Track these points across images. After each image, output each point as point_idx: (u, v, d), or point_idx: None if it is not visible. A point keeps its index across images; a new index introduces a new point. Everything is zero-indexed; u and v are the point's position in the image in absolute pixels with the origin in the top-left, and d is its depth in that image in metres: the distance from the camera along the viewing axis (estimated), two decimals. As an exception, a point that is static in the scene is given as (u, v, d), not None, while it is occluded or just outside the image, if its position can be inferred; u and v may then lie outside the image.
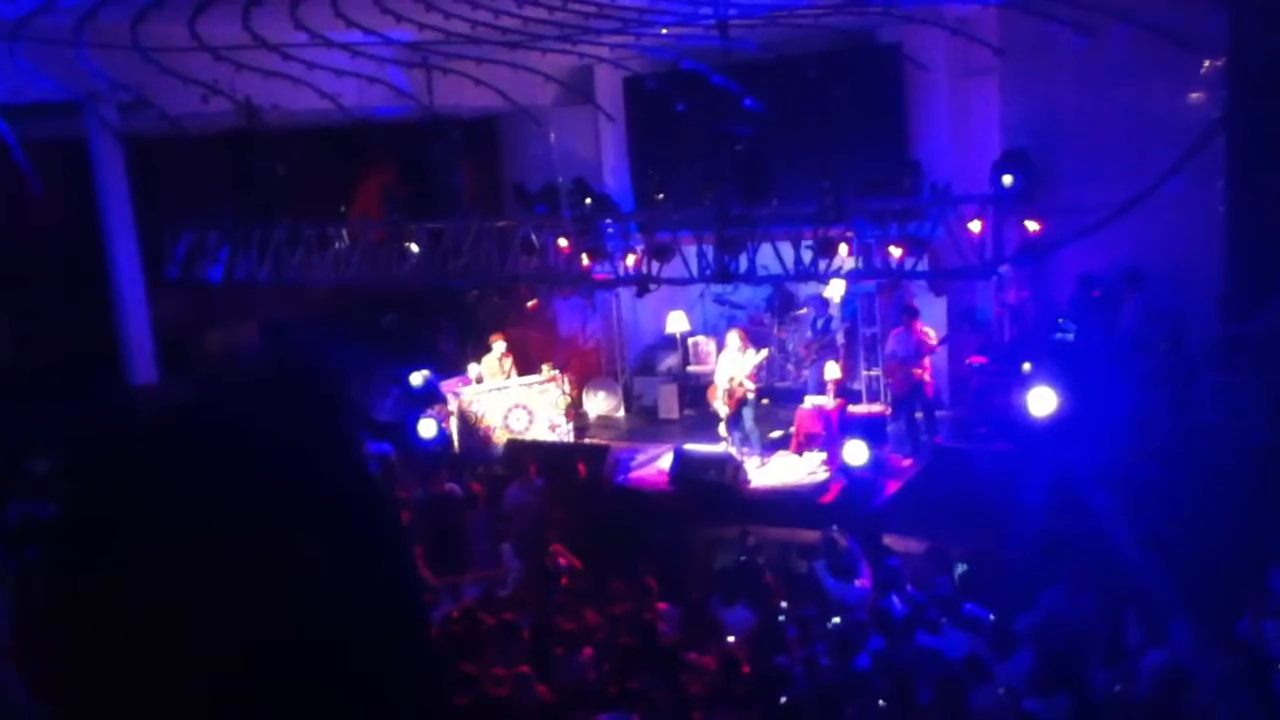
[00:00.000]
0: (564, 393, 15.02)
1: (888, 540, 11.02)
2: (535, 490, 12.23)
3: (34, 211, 13.44)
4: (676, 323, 16.00)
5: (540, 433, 14.65)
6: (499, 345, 15.17)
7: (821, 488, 12.43)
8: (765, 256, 12.03)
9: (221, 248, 14.06)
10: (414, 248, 13.89)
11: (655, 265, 12.78)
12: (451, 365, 15.83)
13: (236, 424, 0.78)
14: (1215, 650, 8.01)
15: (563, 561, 10.99)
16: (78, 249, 13.59)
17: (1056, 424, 11.33)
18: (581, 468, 12.69)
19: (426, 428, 14.13)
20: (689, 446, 13.30)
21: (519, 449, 14.06)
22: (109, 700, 0.72)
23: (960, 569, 10.15)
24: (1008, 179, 12.91)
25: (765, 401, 14.17)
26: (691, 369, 16.05)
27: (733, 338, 13.39)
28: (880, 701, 7.51)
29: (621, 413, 16.28)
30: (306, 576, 0.73)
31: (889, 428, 13.28)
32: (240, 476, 0.74)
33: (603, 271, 13.93)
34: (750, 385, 13.14)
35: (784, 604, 9.81)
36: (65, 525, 0.75)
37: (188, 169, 14.30)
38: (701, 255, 12.27)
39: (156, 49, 11.62)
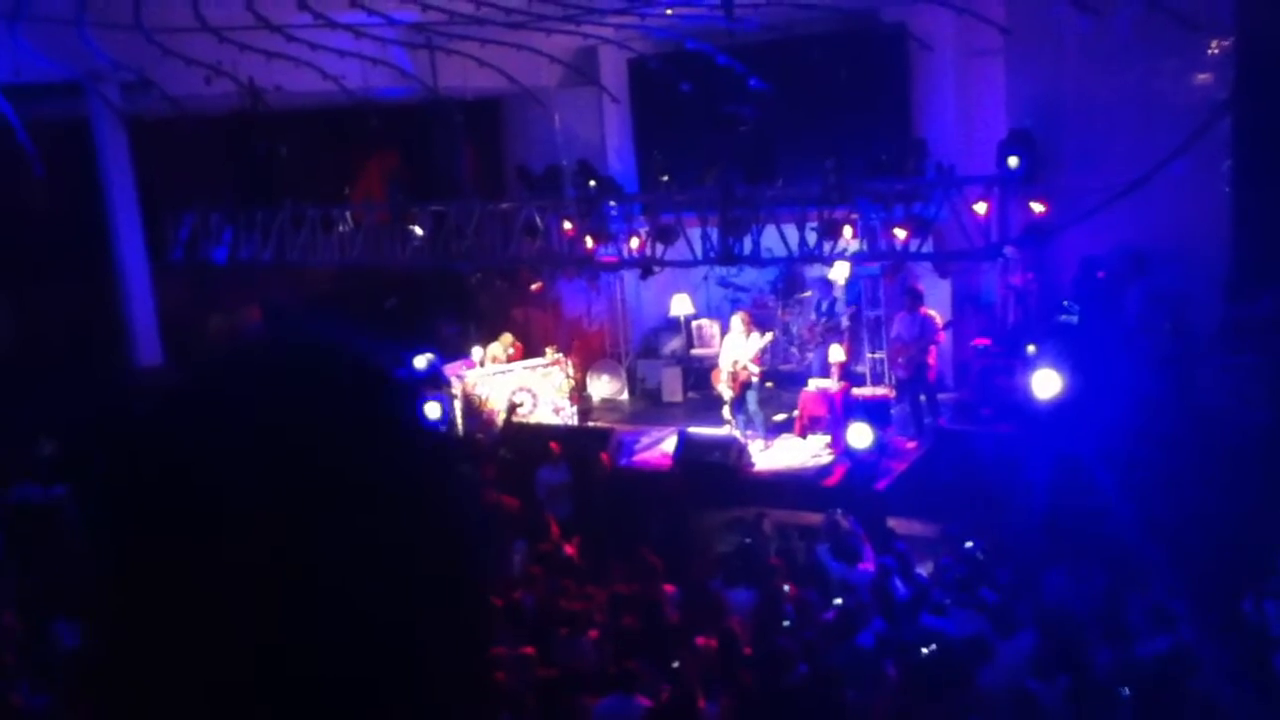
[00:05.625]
0: (568, 376, 15.03)
1: (891, 523, 11.03)
2: (566, 471, 12.28)
3: (36, 193, 13.42)
4: (680, 305, 15.98)
5: (544, 416, 14.66)
6: (506, 340, 15.25)
7: (825, 470, 12.43)
8: (769, 239, 12.00)
9: (224, 229, 14.06)
10: (417, 230, 13.88)
11: (659, 247, 12.76)
12: (454, 348, 15.83)
13: (254, 405, 0.74)
14: (1218, 631, 8.03)
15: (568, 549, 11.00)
16: (80, 231, 13.58)
17: (1060, 407, 11.31)
18: (605, 458, 12.70)
19: (430, 411, 14.15)
20: (693, 429, 13.30)
21: (519, 432, 14.08)
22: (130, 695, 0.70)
23: (968, 545, 10.13)
24: (1013, 160, 12.85)
25: (769, 384, 14.16)
26: (695, 352, 16.05)
27: (737, 321, 13.36)
28: (883, 680, 7.53)
29: (625, 396, 16.28)
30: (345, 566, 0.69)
31: (893, 410, 13.26)
32: (258, 461, 0.70)
33: (606, 254, 13.92)
34: (754, 368, 13.12)
35: (786, 587, 9.82)
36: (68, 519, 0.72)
37: (190, 150, 14.27)
38: (705, 237, 12.25)
39: (159, 30, 11.59)
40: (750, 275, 15.27)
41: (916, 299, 13.08)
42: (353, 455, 0.72)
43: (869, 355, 14.54)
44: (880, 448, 12.00)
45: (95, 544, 0.71)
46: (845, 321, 14.68)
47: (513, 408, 14.47)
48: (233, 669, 0.67)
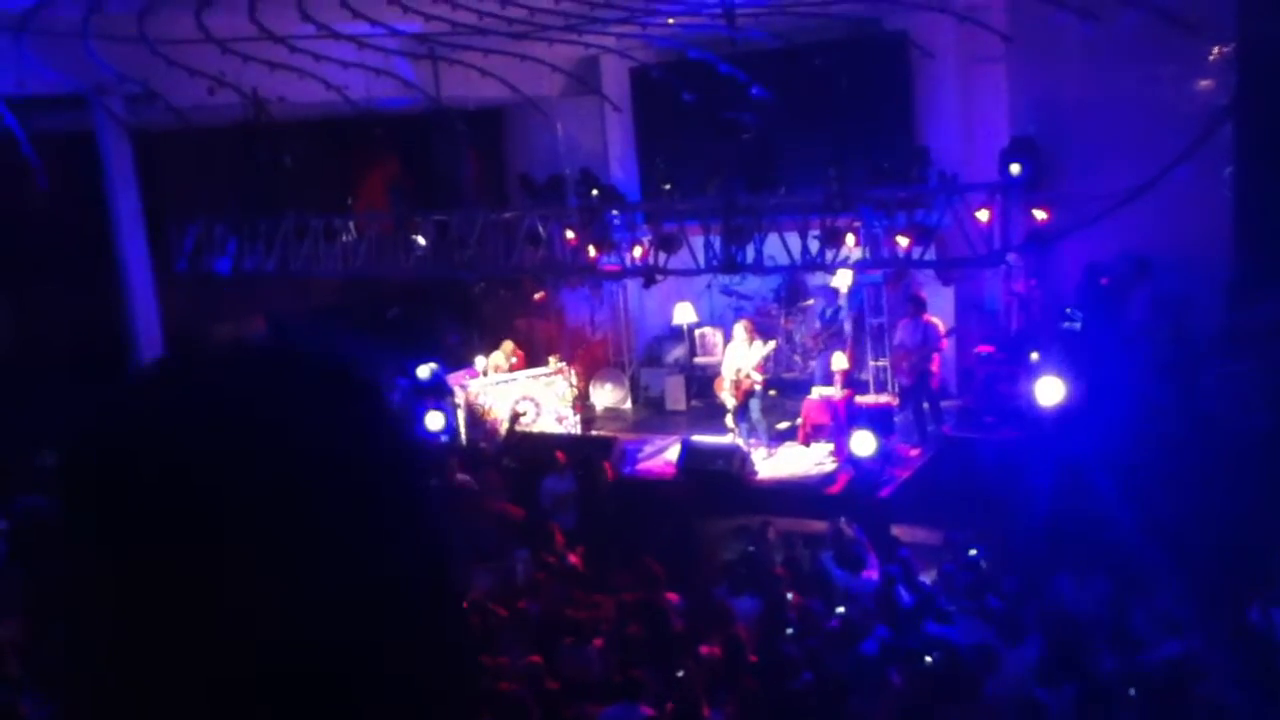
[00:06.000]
0: (571, 384, 15.04)
1: (896, 531, 11.02)
2: (570, 480, 12.27)
3: (41, 204, 13.45)
4: (683, 314, 15.98)
5: (547, 425, 14.67)
6: (507, 348, 15.26)
7: (829, 478, 12.43)
8: (772, 246, 12.00)
9: (229, 240, 14.09)
10: (420, 240, 13.90)
11: (662, 256, 12.77)
12: (457, 358, 15.85)
13: (241, 401, 0.74)
14: (1224, 638, 8.01)
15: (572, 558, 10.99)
16: (85, 242, 13.60)
17: (1064, 413, 11.31)
18: (609, 467, 12.70)
19: (434, 420, 14.16)
20: (696, 438, 13.30)
21: (523, 441, 14.08)
22: (113, 700, 0.69)
23: (972, 553, 10.13)
24: (1015, 167, 12.87)
25: (772, 392, 14.15)
26: (698, 360, 16.04)
27: (740, 329, 13.37)
28: (888, 688, 7.52)
29: (628, 404, 16.29)
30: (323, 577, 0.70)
31: (896, 418, 13.26)
32: (249, 460, 0.70)
33: (609, 263, 13.94)
34: (757, 376, 13.13)
35: (790, 595, 9.82)
36: (64, 519, 0.72)
37: (194, 162, 14.30)
38: (708, 246, 12.25)
39: (163, 41, 11.63)
40: (753, 283, 15.28)
41: (919, 306, 13.08)
42: (330, 462, 0.73)
43: (872, 363, 14.52)
44: (884, 455, 12.01)
45: (97, 549, 0.71)
46: (848, 329, 14.68)
47: (516, 417, 14.48)
48: (232, 670, 0.68)
